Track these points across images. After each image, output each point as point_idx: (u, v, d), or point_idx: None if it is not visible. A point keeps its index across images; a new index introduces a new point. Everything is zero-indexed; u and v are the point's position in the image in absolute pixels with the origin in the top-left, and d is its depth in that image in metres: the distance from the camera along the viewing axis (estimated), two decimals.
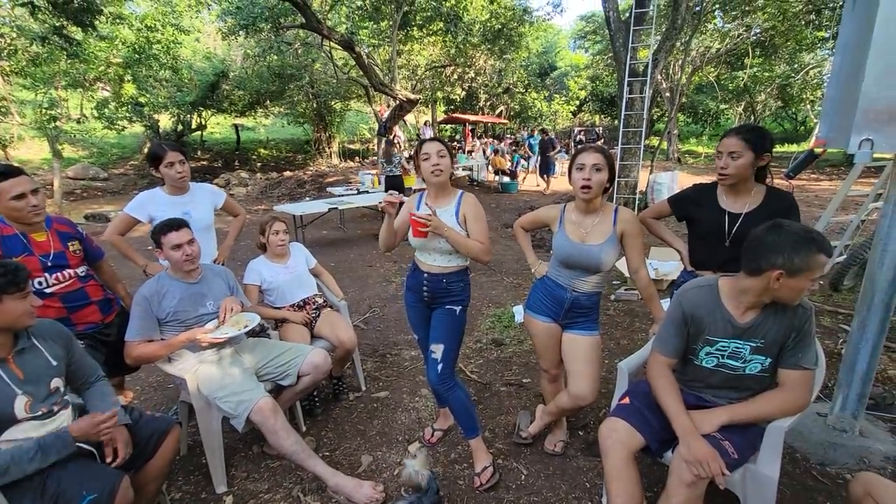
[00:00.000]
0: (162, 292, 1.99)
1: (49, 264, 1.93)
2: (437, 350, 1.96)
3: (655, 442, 1.53)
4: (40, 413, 1.43)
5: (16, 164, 1.85)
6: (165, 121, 16.28)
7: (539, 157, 11.04)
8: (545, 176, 10.80)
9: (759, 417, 1.48)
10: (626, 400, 1.66)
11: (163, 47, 11.80)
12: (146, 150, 2.51)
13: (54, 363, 1.50)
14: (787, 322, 1.43)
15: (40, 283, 1.91)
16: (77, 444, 1.42)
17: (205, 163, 17.25)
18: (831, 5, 10.47)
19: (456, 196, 1.99)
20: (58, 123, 10.28)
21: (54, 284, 1.95)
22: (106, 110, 12.01)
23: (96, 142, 15.09)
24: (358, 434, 2.42)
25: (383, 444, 2.31)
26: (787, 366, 1.46)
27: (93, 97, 11.92)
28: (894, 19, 1.63)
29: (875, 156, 1.87)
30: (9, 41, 9.87)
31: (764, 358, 1.48)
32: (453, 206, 1.97)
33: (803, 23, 12.08)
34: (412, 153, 2.01)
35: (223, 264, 2.51)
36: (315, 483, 2.03)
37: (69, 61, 9.77)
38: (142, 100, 12.74)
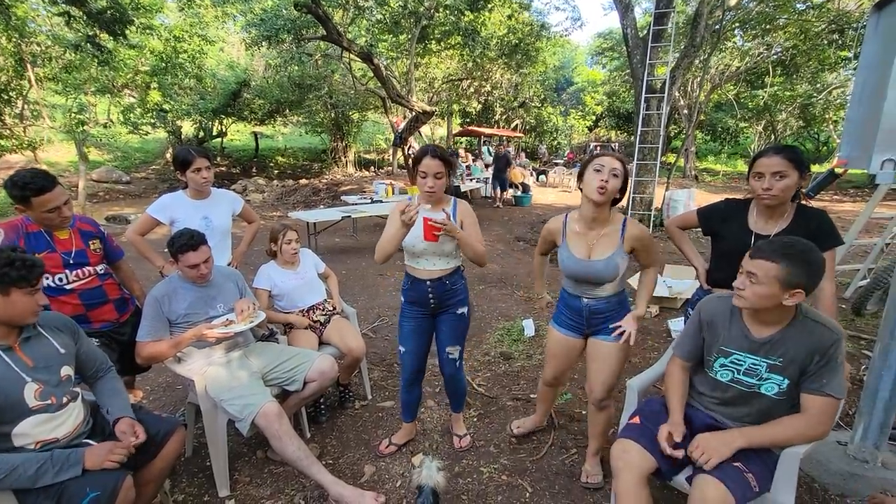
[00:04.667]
0: (173, 294, 2.02)
1: (70, 261, 1.98)
2: (454, 351, 2.15)
3: (665, 462, 1.49)
4: (51, 402, 1.44)
5: (50, 173, 1.90)
6: (188, 127, 16.70)
7: (493, 171, 10.87)
8: (498, 190, 10.77)
9: (777, 442, 1.43)
10: (637, 419, 1.62)
11: (189, 56, 12.18)
12: (174, 154, 2.57)
13: (63, 351, 1.52)
14: (809, 342, 1.38)
15: (60, 280, 1.96)
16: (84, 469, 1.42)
17: (223, 169, 17.61)
18: (854, 25, 10.35)
19: (450, 202, 2.04)
20: (85, 128, 10.62)
21: (74, 281, 2.00)
22: (131, 116, 12.37)
23: (121, 146, 15.54)
24: (362, 443, 2.40)
25: (387, 455, 2.29)
26: (811, 390, 1.39)
27: (119, 103, 12.30)
28: None
29: None
30: (44, 49, 10.30)
31: (782, 379, 1.42)
32: (449, 212, 1.99)
33: (826, 42, 11.94)
34: (413, 160, 1.98)
35: (236, 268, 2.55)
36: (317, 491, 2.01)
37: (99, 68, 10.11)
38: (166, 106, 13.09)
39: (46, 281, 1.91)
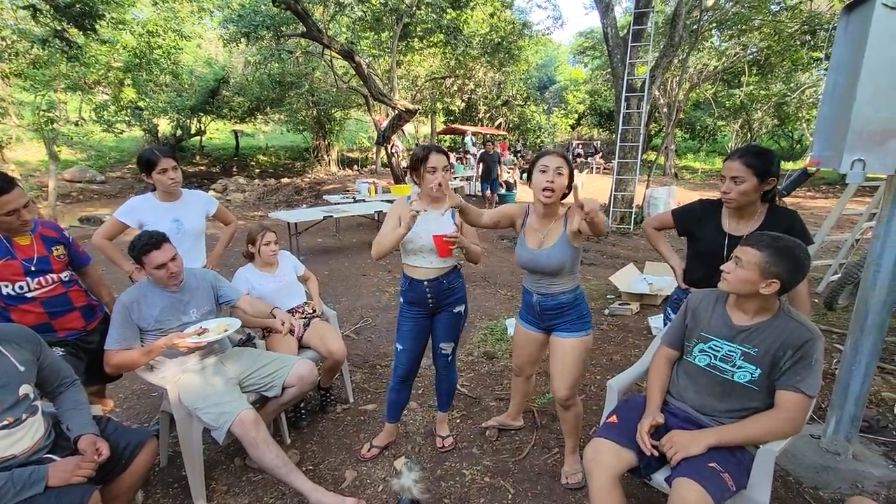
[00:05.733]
0: (143, 300, 1.95)
1: (32, 268, 1.89)
2: (448, 348, 2.19)
3: (645, 457, 1.50)
4: (7, 423, 1.37)
5: (8, 175, 1.81)
6: (165, 125, 16.30)
7: (481, 173, 9.95)
8: (489, 192, 9.84)
9: (749, 439, 1.45)
10: (614, 418, 1.63)
11: (164, 52, 11.88)
12: (138, 156, 2.47)
13: (22, 369, 1.44)
14: (784, 337, 1.42)
15: (21, 288, 1.87)
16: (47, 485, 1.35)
17: (203, 168, 17.26)
18: (826, 26, 10.64)
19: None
20: (55, 126, 10.27)
21: (36, 289, 1.91)
22: (105, 114, 12.02)
23: (94, 145, 15.09)
24: (343, 448, 2.36)
25: (369, 459, 2.26)
26: (785, 386, 1.42)
27: (92, 100, 11.93)
28: (885, 42, 1.64)
29: (869, 175, 1.86)
30: (9, 43, 9.91)
31: (754, 368, 1.46)
32: (449, 210, 2.02)
33: (798, 43, 12.26)
34: (415, 161, 2.00)
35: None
36: (297, 499, 1.98)
37: (69, 64, 9.78)
38: (141, 104, 12.75)
39: (6, 289, 1.83)
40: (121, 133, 13.22)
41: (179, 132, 16.51)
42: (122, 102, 12.20)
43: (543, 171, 1.75)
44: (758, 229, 1.73)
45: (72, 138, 11.67)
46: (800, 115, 17.08)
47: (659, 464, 1.52)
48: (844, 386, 2.03)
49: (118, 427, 1.66)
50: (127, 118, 12.77)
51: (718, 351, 1.53)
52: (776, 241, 1.42)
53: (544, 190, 1.75)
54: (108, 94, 12.46)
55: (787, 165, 18.10)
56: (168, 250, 1.91)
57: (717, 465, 1.37)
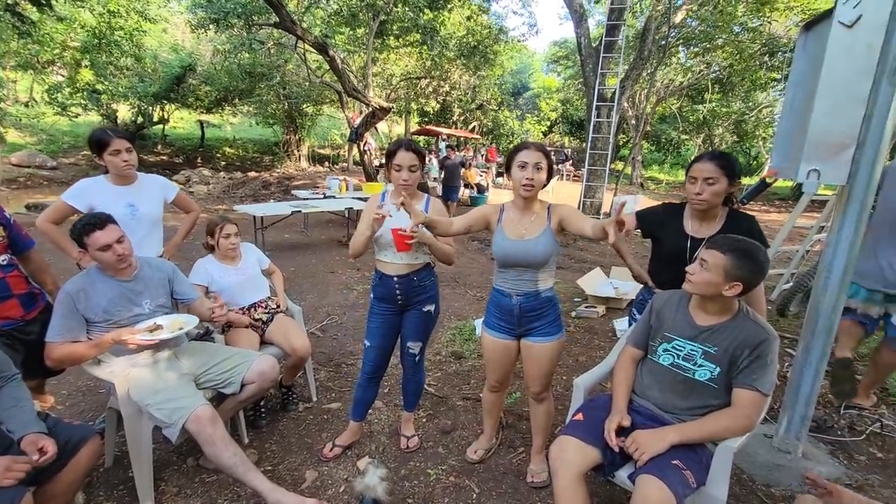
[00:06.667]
0: (90, 289, 1.81)
1: None
2: (416, 347, 2.15)
3: (609, 454, 1.51)
4: None
5: None
6: (124, 111, 15.49)
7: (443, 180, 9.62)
8: (447, 201, 9.17)
9: (708, 436, 1.49)
10: (580, 416, 1.64)
11: (126, 34, 11.32)
12: (88, 136, 2.30)
13: None
14: (741, 336, 1.47)
15: None
16: None
17: (165, 158, 16.51)
18: (783, 49, 11.27)
19: (423, 199, 2.05)
20: (2, 105, 9.60)
21: None
22: (59, 95, 11.33)
23: (46, 128, 14.19)
24: (304, 448, 2.28)
25: (331, 459, 2.19)
26: (742, 384, 1.47)
27: (45, 80, 11.21)
28: (841, 58, 1.73)
29: (819, 191, 1.96)
30: None
31: (714, 366, 1.51)
32: (422, 208, 2.00)
33: (758, 64, 12.94)
34: (387, 155, 1.96)
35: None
36: (253, 500, 1.89)
37: (21, 41, 9.17)
38: (99, 87, 12.08)
39: None
40: (76, 117, 12.48)
41: (140, 119, 15.72)
42: (78, 84, 11.55)
43: (522, 168, 1.71)
44: (719, 232, 1.78)
45: (20, 119, 10.97)
46: (757, 132, 18.03)
47: (622, 461, 1.54)
48: (796, 387, 2.12)
49: (58, 422, 1.54)
50: (83, 101, 12.07)
51: (681, 350, 1.57)
52: (738, 243, 1.47)
53: (524, 186, 1.72)
54: (63, 75, 11.76)
55: (744, 180, 19.02)
56: (113, 231, 1.79)
57: (679, 463, 1.40)
